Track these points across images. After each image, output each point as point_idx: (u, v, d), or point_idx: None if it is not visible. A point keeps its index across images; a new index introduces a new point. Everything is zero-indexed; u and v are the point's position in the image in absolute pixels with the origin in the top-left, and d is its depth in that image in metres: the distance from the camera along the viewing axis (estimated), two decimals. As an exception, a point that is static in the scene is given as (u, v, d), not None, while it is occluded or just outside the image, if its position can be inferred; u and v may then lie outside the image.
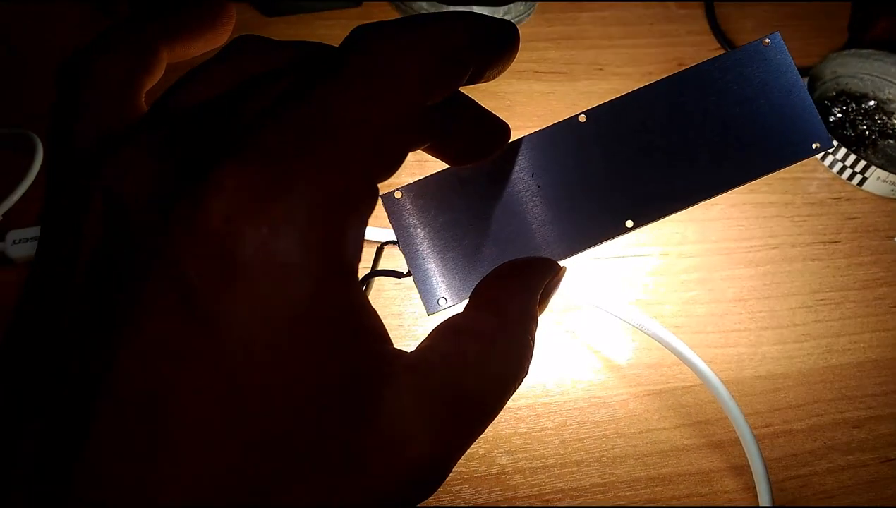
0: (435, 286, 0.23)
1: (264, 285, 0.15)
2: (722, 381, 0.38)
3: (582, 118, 0.24)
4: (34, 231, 0.39)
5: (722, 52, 0.48)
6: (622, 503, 0.36)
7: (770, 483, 0.35)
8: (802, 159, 0.22)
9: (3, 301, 0.39)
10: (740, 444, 0.37)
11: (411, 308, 0.41)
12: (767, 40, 0.23)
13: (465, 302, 0.21)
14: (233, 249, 0.15)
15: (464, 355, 0.19)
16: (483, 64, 0.19)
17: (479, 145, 0.22)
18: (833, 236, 0.48)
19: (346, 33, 0.18)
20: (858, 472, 0.39)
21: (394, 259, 0.24)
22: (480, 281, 0.22)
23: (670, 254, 0.46)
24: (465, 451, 0.18)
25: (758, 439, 0.37)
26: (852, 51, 0.56)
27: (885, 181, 0.49)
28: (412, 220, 0.23)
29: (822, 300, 0.45)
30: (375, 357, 0.17)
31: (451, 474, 0.37)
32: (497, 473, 0.36)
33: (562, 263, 0.23)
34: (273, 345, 0.15)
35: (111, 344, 0.15)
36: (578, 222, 0.23)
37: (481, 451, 0.36)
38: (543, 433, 0.38)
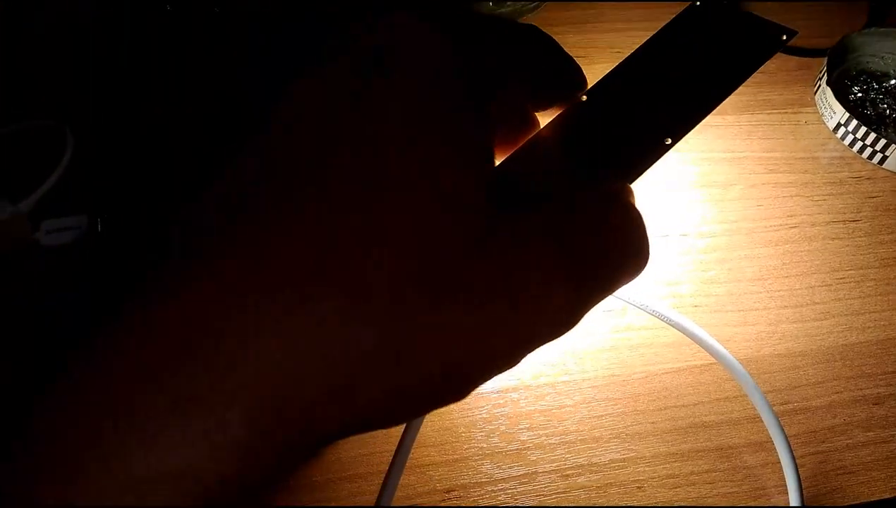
0: None
1: (430, 84, 0.17)
2: (740, 360, 0.38)
3: (583, 98, 0.25)
4: (67, 221, 0.41)
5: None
6: (641, 478, 0.36)
7: (794, 458, 0.36)
8: (778, 51, 0.26)
9: (38, 290, 0.40)
10: (759, 421, 0.37)
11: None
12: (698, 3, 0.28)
13: None
14: (420, 45, 0.18)
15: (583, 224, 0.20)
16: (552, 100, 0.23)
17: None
18: (853, 215, 0.48)
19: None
20: (878, 448, 0.39)
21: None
22: None
23: (689, 235, 0.46)
24: (598, 303, 0.20)
25: (777, 416, 0.37)
26: (872, 29, 0.56)
27: (906, 159, 0.49)
28: None
29: (842, 278, 0.45)
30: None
31: (473, 449, 0.37)
32: (518, 449, 0.37)
33: None
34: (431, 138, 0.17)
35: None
36: (623, 152, 0.24)
37: (502, 428, 0.37)
38: (563, 410, 0.38)
